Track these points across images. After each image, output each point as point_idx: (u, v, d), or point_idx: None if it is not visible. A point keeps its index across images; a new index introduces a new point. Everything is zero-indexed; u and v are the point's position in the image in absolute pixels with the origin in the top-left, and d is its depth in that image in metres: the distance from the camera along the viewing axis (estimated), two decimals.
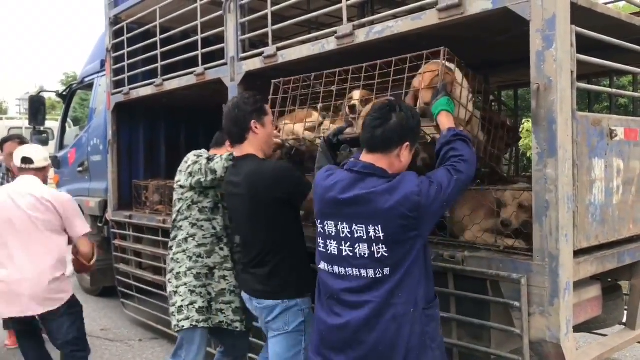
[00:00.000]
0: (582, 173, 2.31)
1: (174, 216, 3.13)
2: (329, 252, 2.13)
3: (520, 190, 2.58)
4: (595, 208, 2.40)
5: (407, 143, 2.12)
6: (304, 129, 3.18)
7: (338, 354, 2.09)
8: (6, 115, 18.19)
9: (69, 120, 8.78)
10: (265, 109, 2.78)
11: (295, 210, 2.72)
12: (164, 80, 4.46)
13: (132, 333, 5.11)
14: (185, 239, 3.02)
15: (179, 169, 3.16)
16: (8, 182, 4.65)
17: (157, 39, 4.44)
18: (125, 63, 4.89)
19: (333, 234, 2.11)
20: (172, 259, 3.06)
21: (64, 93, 7.12)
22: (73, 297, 3.45)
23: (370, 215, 2.01)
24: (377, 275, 2.02)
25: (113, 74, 5.18)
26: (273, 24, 3.43)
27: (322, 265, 2.18)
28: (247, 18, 3.66)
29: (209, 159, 3.00)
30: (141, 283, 4.88)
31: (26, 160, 3.48)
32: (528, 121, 8.42)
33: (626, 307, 3.00)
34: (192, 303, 2.94)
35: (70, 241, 3.52)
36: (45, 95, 7.28)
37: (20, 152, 3.58)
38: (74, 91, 7.08)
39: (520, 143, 7.41)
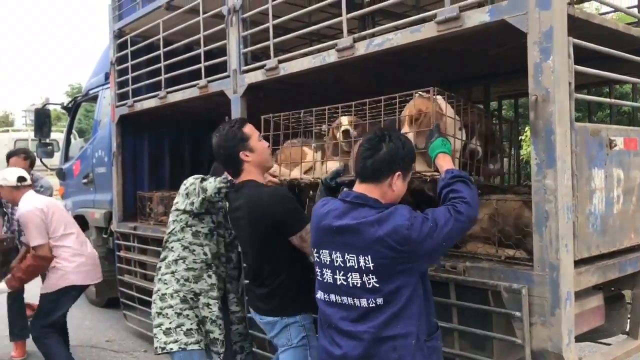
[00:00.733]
0: (582, 183, 2.32)
1: (165, 237, 3.09)
2: (325, 280, 2.14)
3: (516, 200, 2.59)
4: (595, 218, 2.41)
5: (399, 173, 2.10)
6: (301, 172, 3.22)
7: None
8: (12, 127, 18.30)
9: (74, 132, 8.84)
10: (246, 134, 2.74)
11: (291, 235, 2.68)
12: (168, 92, 4.50)
13: (136, 344, 5.12)
14: (175, 261, 2.98)
15: (179, 191, 3.12)
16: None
17: (161, 52, 4.49)
18: (130, 76, 4.94)
19: (327, 262, 2.11)
20: (160, 279, 3.00)
21: (69, 105, 7.19)
22: None
23: (360, 245, 2.00)
24: (371, 305, 2.00)
25: (117, 87, 5.23)
26: (275, 37, 3.47)
27: (319, 295, 2.19)
28: (249, 31, 3.70)
29: (203, 179, 3.01)
30: (144, 294, 4.89)
31: (23, 179, 4.12)
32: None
33: (629, 316, 3.00)
34: (179, 326, 2.89)
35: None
36: (50, 107, 7.34)
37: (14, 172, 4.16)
38: (79, 103, 7.15)
39: (523, 151, 7.43)
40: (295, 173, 3.23)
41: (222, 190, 2.87)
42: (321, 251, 2.14)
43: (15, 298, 4.72)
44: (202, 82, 4.07)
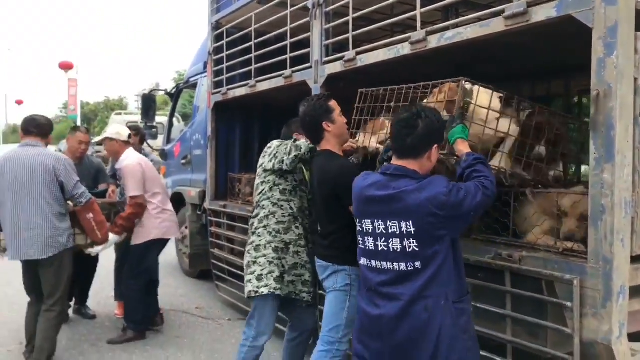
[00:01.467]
0: None
1: (256, 198, 3.49)
2: (367, 248, 2.36)
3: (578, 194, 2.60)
4: None
5: (436, 145, 2.32)
6: (377, 141, 3.39)
7: (376, 341, 2.31)
8: (125, 111, 19.92)
9: (177, 116, 9.54)
10: (330, 107, 3.12)
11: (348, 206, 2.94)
12: (257, 81, 4.82)
13: (222, 313, 5.57)
14: (267, 216, 3.38)
15: (262, 154, 3.52)
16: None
17: (252, 43, 4.81)
18: (224, 65, 5.32)
19: (370, 231, 2.32)
20: (254, 232, 3.43)
21: (172, 92, 7.79)
22: None
23: (402, 212, 2.21)
24: (409, 269, 2.21)
25: (213, 75, 5.65)
26: (357, 29, 3.65)
27: (362, 261, 2.41)
28: (331, 24, 3.91)
29: (296, 140, 3.39)
30: (233, 267, 5.29)
31: (130, 136, 4.85)
32: None
33: None
34: (270, 272, 3.29)
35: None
36: (156, 93, 7.99)
37: (125, 129, 4.90)
38: (181, 90, 7.73)
39: None
40: (373, 142, 3.44)
41: (313, 150, 3.24)
42: (363, 221, 2.36)
43: (122, 262, 5.28)
44: (287, 72, 4.33)
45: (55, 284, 4.01)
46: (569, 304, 2.32)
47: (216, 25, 5.60)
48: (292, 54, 4.29)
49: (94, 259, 5.08)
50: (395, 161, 2.37)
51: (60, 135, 21.58)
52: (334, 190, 2.95)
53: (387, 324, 2.26)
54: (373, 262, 2.34)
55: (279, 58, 4.46)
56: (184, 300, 6.02)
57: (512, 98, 2.93)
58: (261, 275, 3.31)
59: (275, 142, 3.50)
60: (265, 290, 3.27)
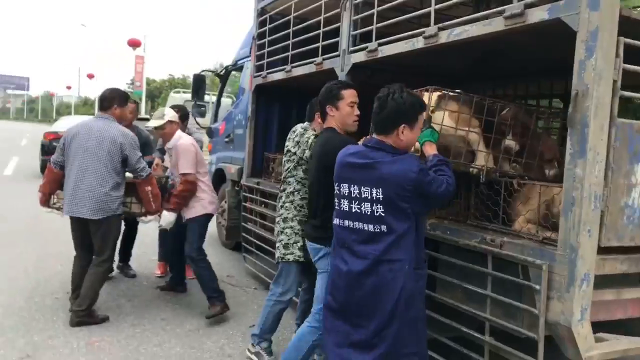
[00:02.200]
0: (618, 176, 2.45)
1: (284, 174, 3.86)
2: (342, 209, 2.67)
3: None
4: (633, 211, 2.51)
5: (404, 125, 2.56)
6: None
7: (343, 293, 2.62)
8: (183, 89, 20.71)
9: (231, 95, 9.97)
10: (340, 94, 3.34)
11: None
12: (292, 67, 5.11)
13: (250, 282, 5.96)
14: (292, 192, 3.75)
15: (288, 137, 3.89)
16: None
17: (290, 30, 5.09)
18: (265, 50, 5.64)
19: (346, 194, 2.63)
20: (282, 205, 3.81)
21: (221, 73, 8.20)
22: None
23: (375, 180, 2.50)
24: (376, 230, 2.50)
25: (255, 59, 5.97)
26: (382, 21, 3.86)
27: (336, 221, 2.73)
28: (359, 15, 4.13)
29: (315, 136, 3.66)
30: (261, 241, 5.65)
31: None
32: None
33: None
34: (296, 242, 3.69)
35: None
36: (207, 74, 8.41)
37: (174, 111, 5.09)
38: (229, 72, 8.12)
39: None
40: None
41: None
42: (341, 185, 2.67)
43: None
44: (318, 59, 4.59)
45: (103, 244, 4.50)
46: (537, 286, 2.50)
47: (261, 12, 5.90)
48: (324, 42, 4.54)
49: (136, 223, 5.57)
50: (375, 135, 2.66)
51: None
52: (328, 162, 3.03)
53: (354, 278, 2.57)
54: (346, 222, 2.65)
55: (313, 45, 4.72)
56: (217, 268, 6.34)
57: (484, 99, 3.17)
58: (287, 244, 3.72)
59: (299, 128, 3.86)
60: (290, 257, 3.70)
